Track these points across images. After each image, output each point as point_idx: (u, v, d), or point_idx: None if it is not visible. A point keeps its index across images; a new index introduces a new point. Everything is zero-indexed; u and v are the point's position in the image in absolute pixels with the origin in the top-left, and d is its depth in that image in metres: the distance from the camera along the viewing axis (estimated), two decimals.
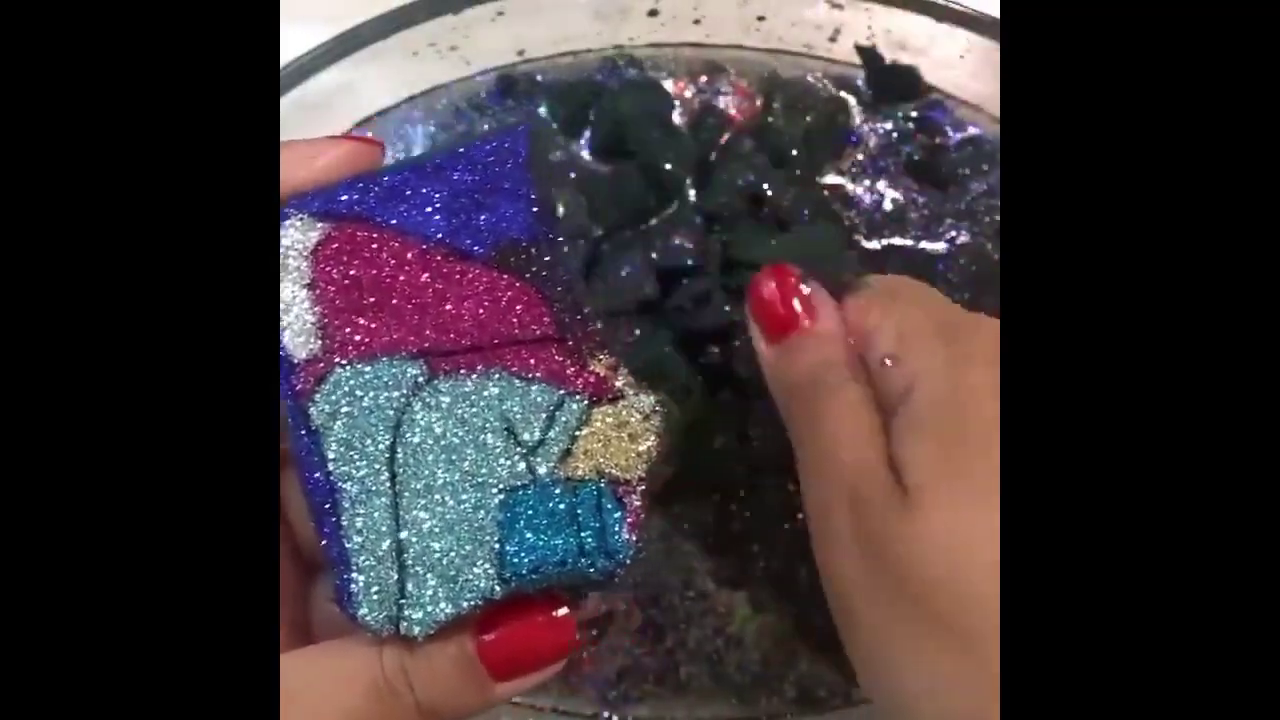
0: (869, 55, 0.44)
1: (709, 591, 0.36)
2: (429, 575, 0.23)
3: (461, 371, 0.24)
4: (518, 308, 0.24)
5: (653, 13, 0.45)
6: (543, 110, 0.44)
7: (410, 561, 0.23)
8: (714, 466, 0.37)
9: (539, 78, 0.45)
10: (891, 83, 0.44)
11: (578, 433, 0.24)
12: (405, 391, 0.23)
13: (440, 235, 0.24)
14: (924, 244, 0.42)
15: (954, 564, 0.23)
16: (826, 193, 0.42)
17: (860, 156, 0.44)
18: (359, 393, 0.23)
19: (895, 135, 0.44)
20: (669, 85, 0.45)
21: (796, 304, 0.28)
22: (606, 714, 0.34)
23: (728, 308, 0.38)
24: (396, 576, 0.23)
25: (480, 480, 0.23)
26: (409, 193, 0.24)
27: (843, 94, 0.45)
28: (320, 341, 0.24)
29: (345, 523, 0.23)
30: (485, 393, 0.23)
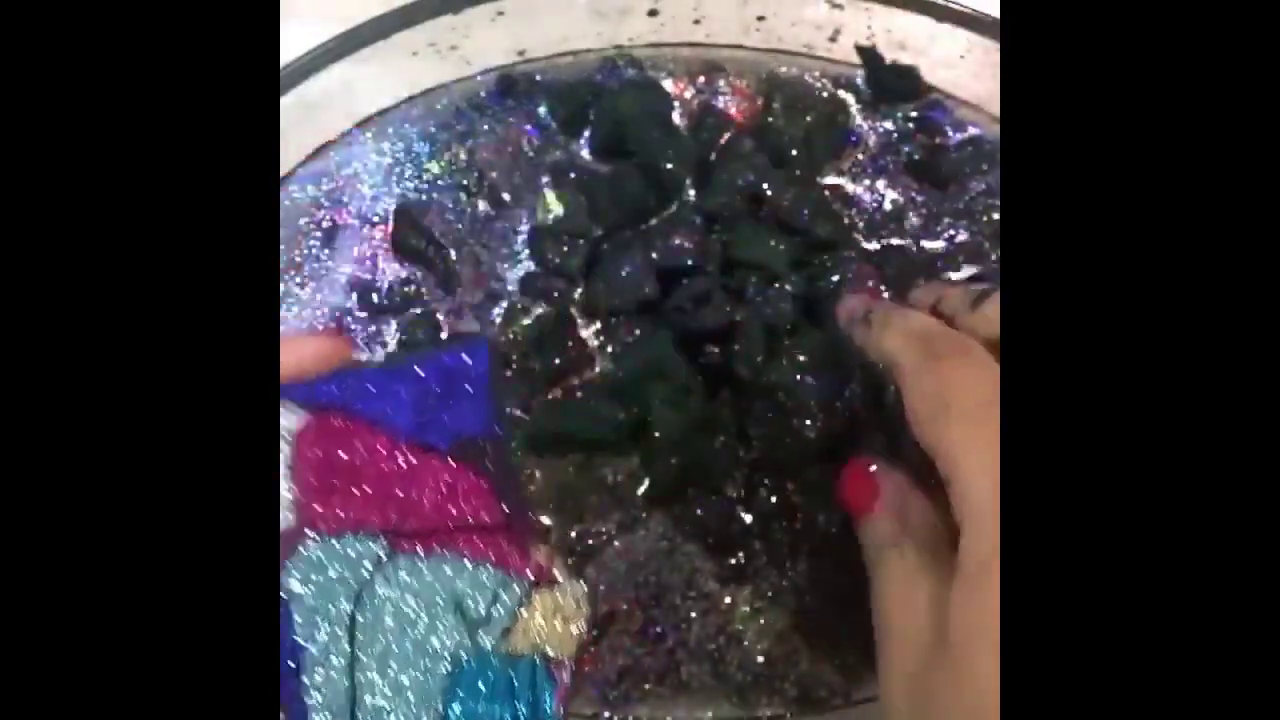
0: (869, 55, 0.44)
1: (710, 591, 0.36)
2: None
3: (419, 551, 0.26)
4: (472, 498, 0.27)
5: (653, 13, 0.45)
6: (542, 110, 0.44)
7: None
8: (714, 466, 0.37)
9: (539, 78, 0.45)
10: (891, 83, 0.44)
11: (518, 612, 0.27)
12: (368, 566, 0.26)
13: (407, 429, 0.27)
14: (924, 244, 0.42)
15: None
16: (826, 193, 0.42)
17: (860, 156, 0.44)
18: (326, 564, 0.26)
19: (895, 135, 0.44)
20: (669, 85, 0.45)
21: (868, 492, 0.31)
22: (607, 714, 0.34)
23: (728, 308, 0.38)
24: None
25: (430, 650, 0.26)
26: (382, 391, 0.27)
27: (843, 94, 0.45)
28: (294, 516, 0.26)
29: (306, 680, 0.26)
30: (439, 572, 0.26)
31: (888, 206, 0.43)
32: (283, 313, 0.40)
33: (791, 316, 0.38)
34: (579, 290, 0.41)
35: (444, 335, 0.40)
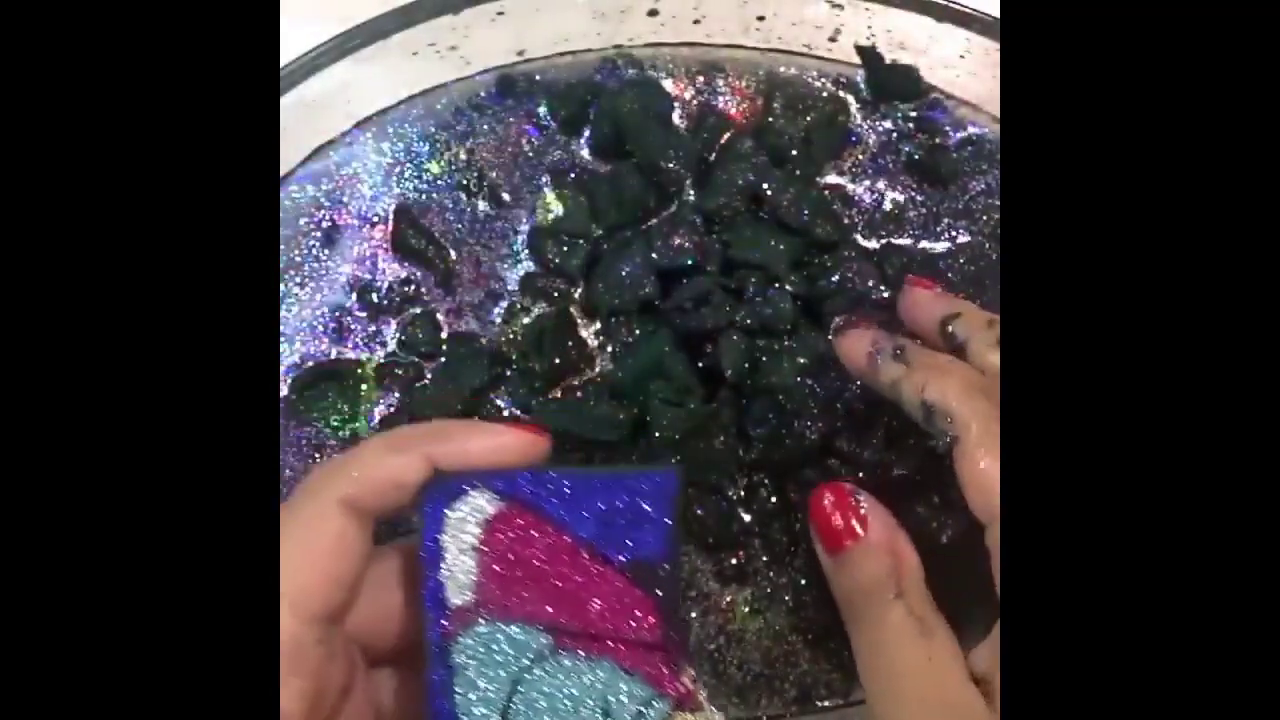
0: (869, 55, 0.44)
1: (710, 591, 0.36)
2: None
3: (580, 651, 0.28)
4: (636, 613, 0.28)
5: (653, 13, 0.45)
6: (542, 110, 0.44)
7: None
8: (714, 466, 0.37)
9: (538, 77, 0.45)
10: (891, 83, 0.44)
11: None
12: (531, 655, 0.28)
13: (590, 538, 0.29)
14: (924, 243, 0.42)
15: None
16: (826, 192, 0.42)
17: (860, 156, 0.44)
18: (494, 646, 0.28)
19: (895, 135, 0.44)
20: (669, 85, 0.44)
21: (853, 520, 0.29)
22: None
23: (728, 308, 0.38)
24: None
25: None
26: (575, 498, 0.29)
27: (843, 94, 0.45)
28: (474, 596, 0.28)
29: None
30: (594, 674, 0.28)
31: (888, 206, 0.43)
32: (283, 313, 0.40)
33: (791, 316, 0.38)
34: (579, 290, 0.41)
35: (444, 335, 0.40)
